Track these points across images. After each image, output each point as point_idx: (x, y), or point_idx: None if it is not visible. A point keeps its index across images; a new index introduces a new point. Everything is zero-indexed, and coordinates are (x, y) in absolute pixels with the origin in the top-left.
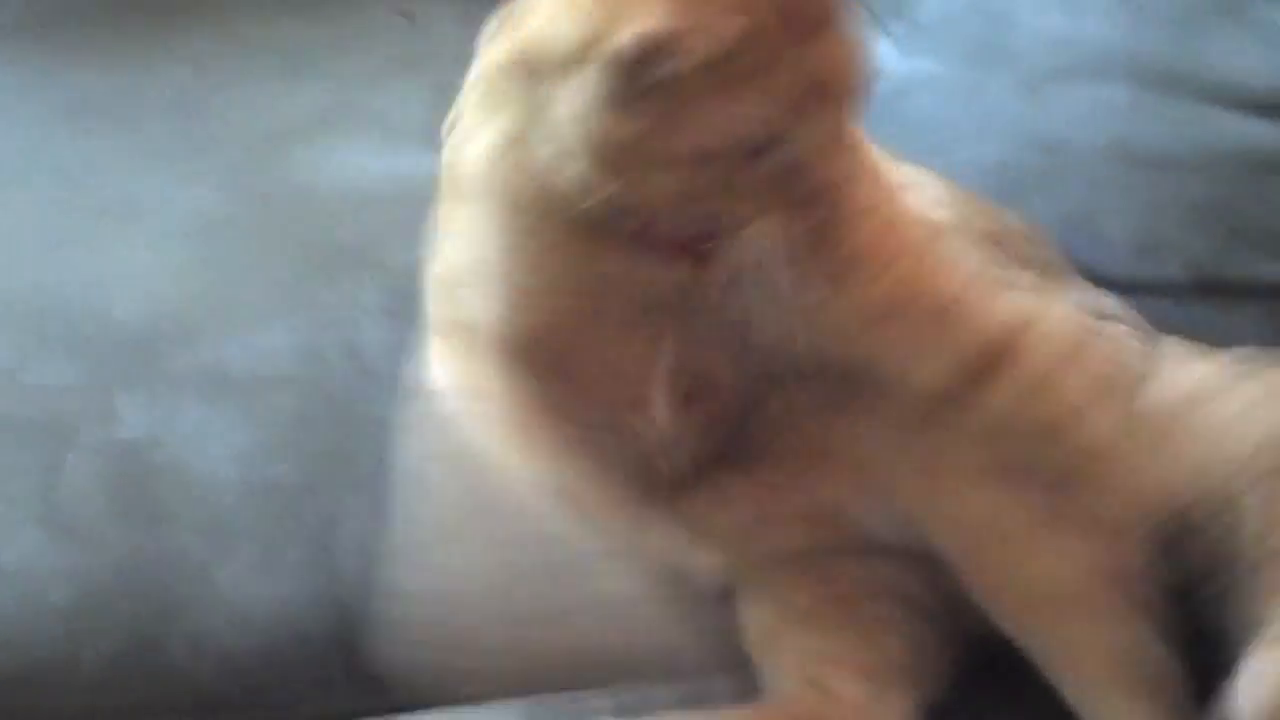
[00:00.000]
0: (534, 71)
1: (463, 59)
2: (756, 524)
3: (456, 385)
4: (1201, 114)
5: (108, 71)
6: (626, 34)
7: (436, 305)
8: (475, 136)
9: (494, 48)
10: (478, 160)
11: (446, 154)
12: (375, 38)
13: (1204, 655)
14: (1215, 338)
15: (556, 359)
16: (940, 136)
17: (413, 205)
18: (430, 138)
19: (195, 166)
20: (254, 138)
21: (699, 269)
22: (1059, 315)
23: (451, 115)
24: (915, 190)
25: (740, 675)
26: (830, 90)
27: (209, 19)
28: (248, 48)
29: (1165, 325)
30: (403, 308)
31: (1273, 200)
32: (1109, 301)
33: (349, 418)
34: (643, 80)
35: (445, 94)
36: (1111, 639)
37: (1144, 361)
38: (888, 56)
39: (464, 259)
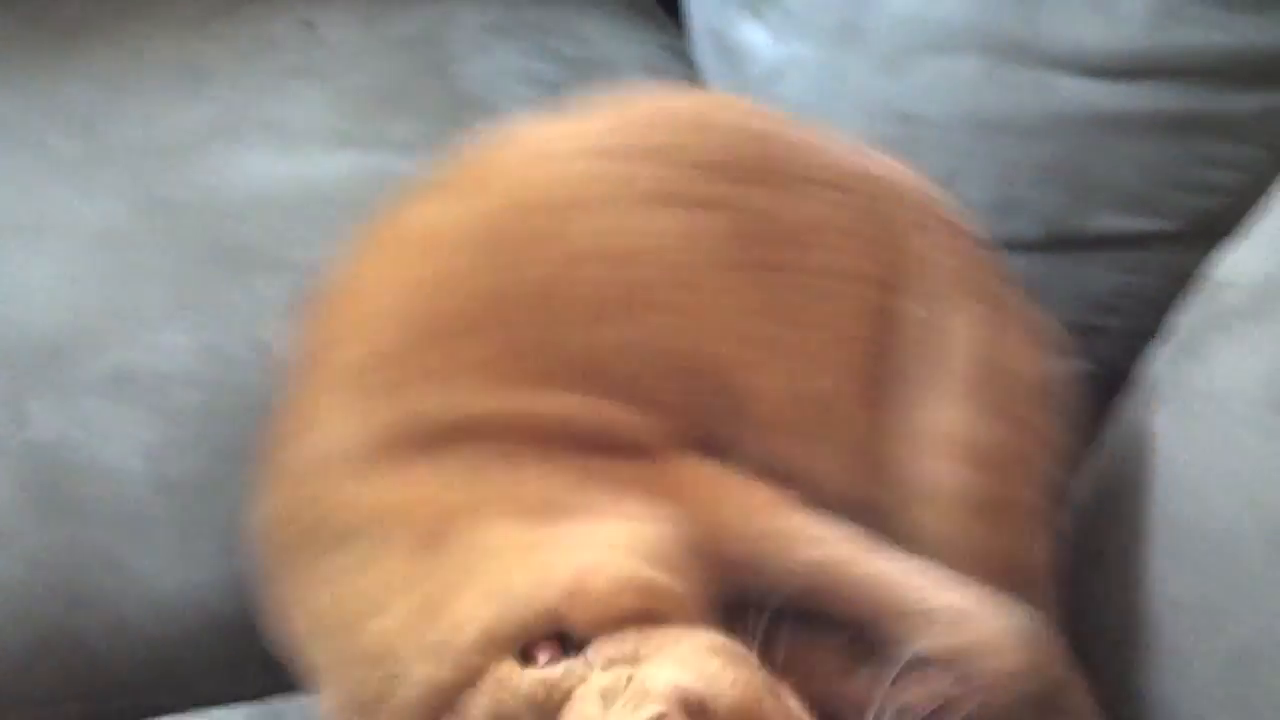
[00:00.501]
0: None
1: (363, 64)
2: None
3: None
4: (1046, 80)
5: (9, 90)
6: None
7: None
8: None
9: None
10: None
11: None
12: (277, 47)
13: None
14: (1069, 287)
15: None
16: (811, 115)
17: (315, 205)
18: (330, 140)
19: (99, 179)
20: (157, 148)
21: None
22: None
23: None
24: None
25: None
26: None
27: (111, 37)
28: (150, 63)
29: (1024, 278)
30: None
31: (1115, 157)
32: None
33: (255, 411)
34: None
35: (346, 97)
36: None
37: None
38: (763, 44)
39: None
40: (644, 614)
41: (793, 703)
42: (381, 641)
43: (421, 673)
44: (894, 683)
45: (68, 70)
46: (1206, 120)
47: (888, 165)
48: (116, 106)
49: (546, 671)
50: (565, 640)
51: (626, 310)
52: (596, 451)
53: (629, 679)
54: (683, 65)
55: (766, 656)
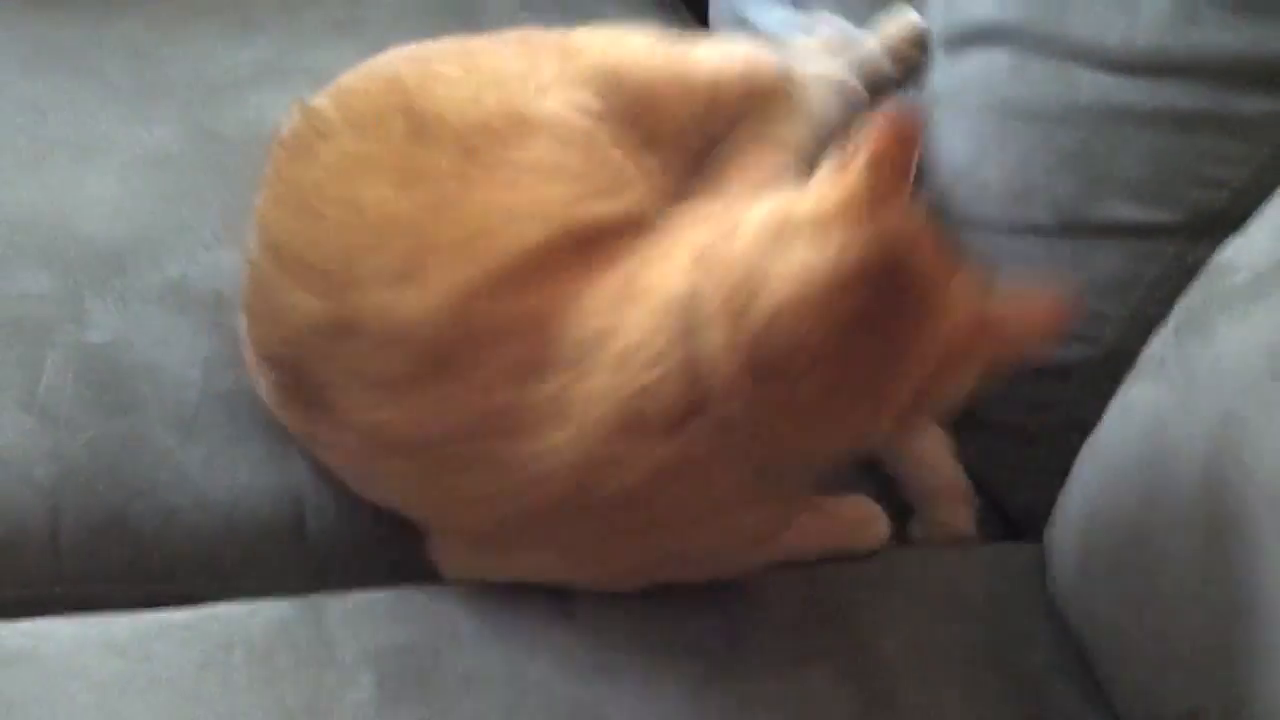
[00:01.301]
0: None
1: (401, 23)
2: None
3: None
4: (1068, 72)
5: (66, 22)
6: None
7: None
8: None
9: None
10: None
11: None
12: (322, 3)
13: None
14: (1078, 272)
15: None
16: None
17: None
18: None
19: (151, 107)
20: (207, 85)
21: None
22: None
23: None
24: None
25: None
26: None
27: None
28: (202, 8)
29: (1035, 263)
30: None
31: (1128, 149)
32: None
33: None
34: None
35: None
36: None
37: None
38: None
39: None
40: None
41: None
42: None
43: None
44: None
45: (118, 6)
46: (1216, 118)
47: None
48: (170, 44)
49: None
50: None
51: None
52: None
53: None
54: None
55: None
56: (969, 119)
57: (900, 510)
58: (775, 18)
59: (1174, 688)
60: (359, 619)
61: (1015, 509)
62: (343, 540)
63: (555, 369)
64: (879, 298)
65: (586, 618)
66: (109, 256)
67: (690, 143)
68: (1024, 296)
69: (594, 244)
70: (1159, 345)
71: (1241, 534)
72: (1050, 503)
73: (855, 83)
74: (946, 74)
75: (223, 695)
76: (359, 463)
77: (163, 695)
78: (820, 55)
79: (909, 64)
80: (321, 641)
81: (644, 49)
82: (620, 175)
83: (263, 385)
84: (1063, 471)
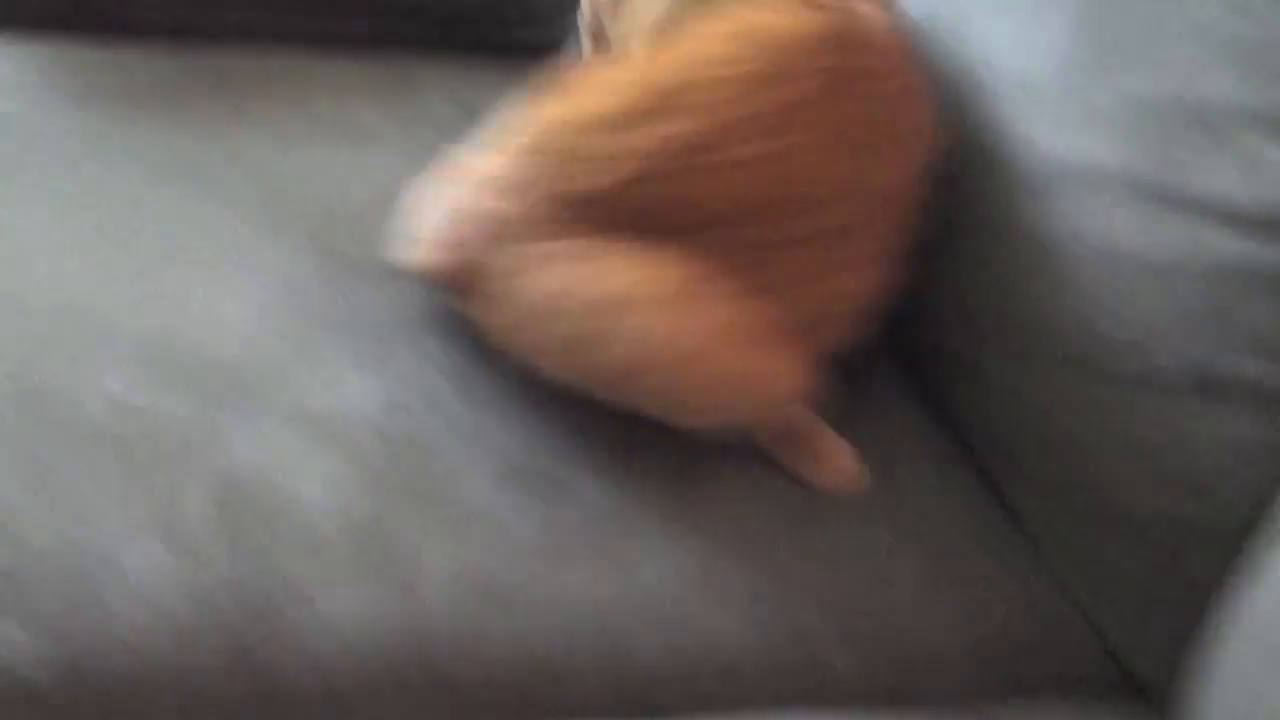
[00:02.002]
0: None
1: None
2: None
3: None
4: (1191, 226)
5: (196, 135)
6: None
7: None
8: None
9: None
10: None
11: None
12: (432, 120)
13: None
14: (1202, 430)
15: None
16: None
17: None
18: None
19: (279, 227)
20: (330, 203)
21: None
22: None
23: None
24: None
25: None
26: None
27: (288, 95)
28: (318, 122)
29: (1159, 416)
30: (473, 370)
31: (1259, 306)
32: None
33: (430, 462)
34: None
35: None
36: None
37: None
38: None
39: None
40: None
41: None
42: None
43: None
44: None
45: (248, 123)
46: None
47: None
48: (290, 159)
49: None
50: None
51: None
52: None
53: None
54: None
55: None
56: (1083, 266)
57: None
58: None
59: None
60: None
61: (1135, 665)
62: (475, 678)
63: None
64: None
65: None
66: (244, 380)
67: None
68: None
69: None
70: None
71: None
72: (1173, 661)
73: None
74: (1044, 211)
75: None
76: None
77: None
78: None
79: None
80: None
81: None
82: None
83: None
84: (1188, 633)
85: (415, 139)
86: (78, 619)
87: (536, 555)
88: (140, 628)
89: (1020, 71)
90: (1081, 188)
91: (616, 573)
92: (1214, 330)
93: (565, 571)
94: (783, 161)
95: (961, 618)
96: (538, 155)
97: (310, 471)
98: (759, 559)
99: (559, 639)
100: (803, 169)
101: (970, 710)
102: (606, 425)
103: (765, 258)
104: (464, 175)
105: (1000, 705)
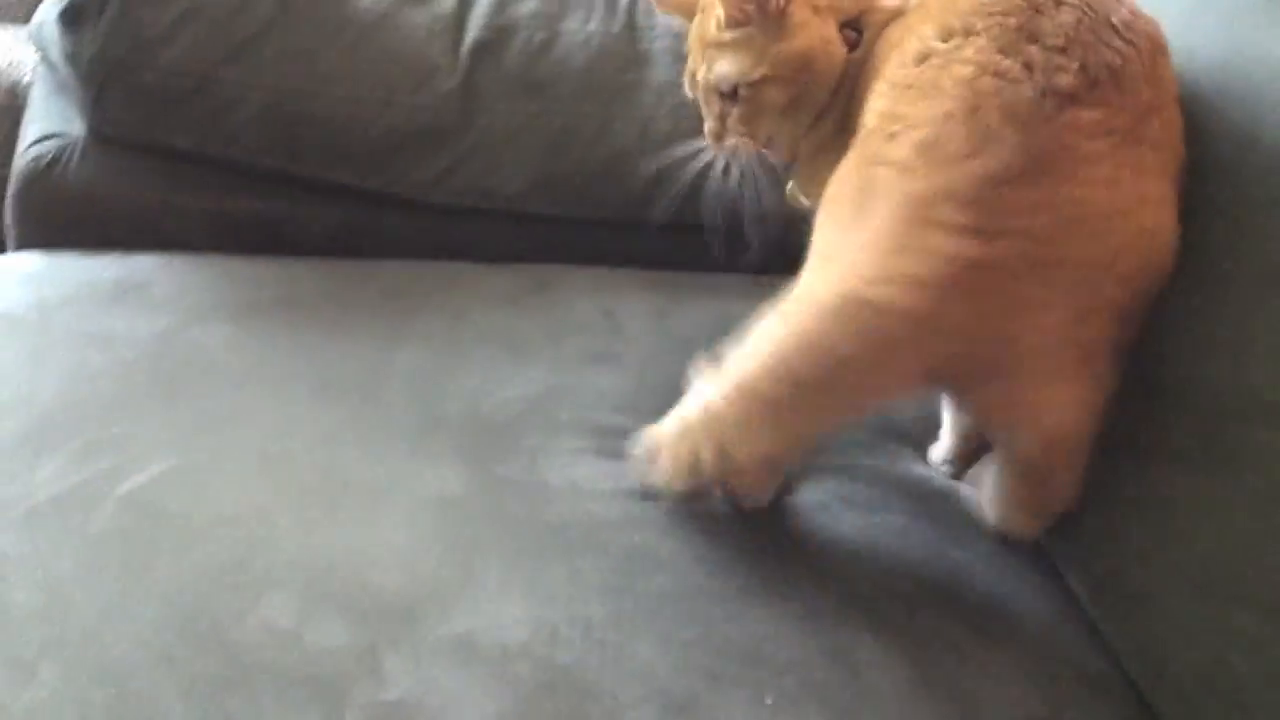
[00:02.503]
0: None
1: (655, 357)
2: None
3: None
4: None
5: (353, 352)
6: None
7: None
8: None
9: None
10: None
11: None
12: (582, 330)
13: None
14: None
15: None
16: None
17: (622, 494)
18: (624, 433)
19: (432, 443)
20: (481, 420)
21: None
22: None
23: None
24: None
25: None
26: None
27: (443, 307)
28: (472, 334)
29: None
30: (624, 585)
31: None
32: None
33: (582, 687)
34: None
35: (644, 386)
36: None
37: None
38: None
39: None
40: None
41: None
42: None
43: None
44: None
45: (403, 335)
46: None
47: None
48: (446, 373)
49: None
50: None
51: None
52: None
53: None
54: None
55: None
56: (1249, 498)
57: None
58: None
59: None
60: None
61: None
62: None
63: None
64: None
65: None
66: (400, 608)
67: None
68: None
69: None
70: None
71: None
72: None
73: None
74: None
75: None
76: None
77: None
78: None
79: None
80: None
81: None
82: None
83: None
84: None
85: (562, 350)
86: None
87: None
88: None
89: None
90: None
91: None
92: None
93: None
94: None
95: None
96: None
97: (466, 704)
98: None
99: None
100: None
101: None
102: (751, 638)
103: None
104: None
105: None
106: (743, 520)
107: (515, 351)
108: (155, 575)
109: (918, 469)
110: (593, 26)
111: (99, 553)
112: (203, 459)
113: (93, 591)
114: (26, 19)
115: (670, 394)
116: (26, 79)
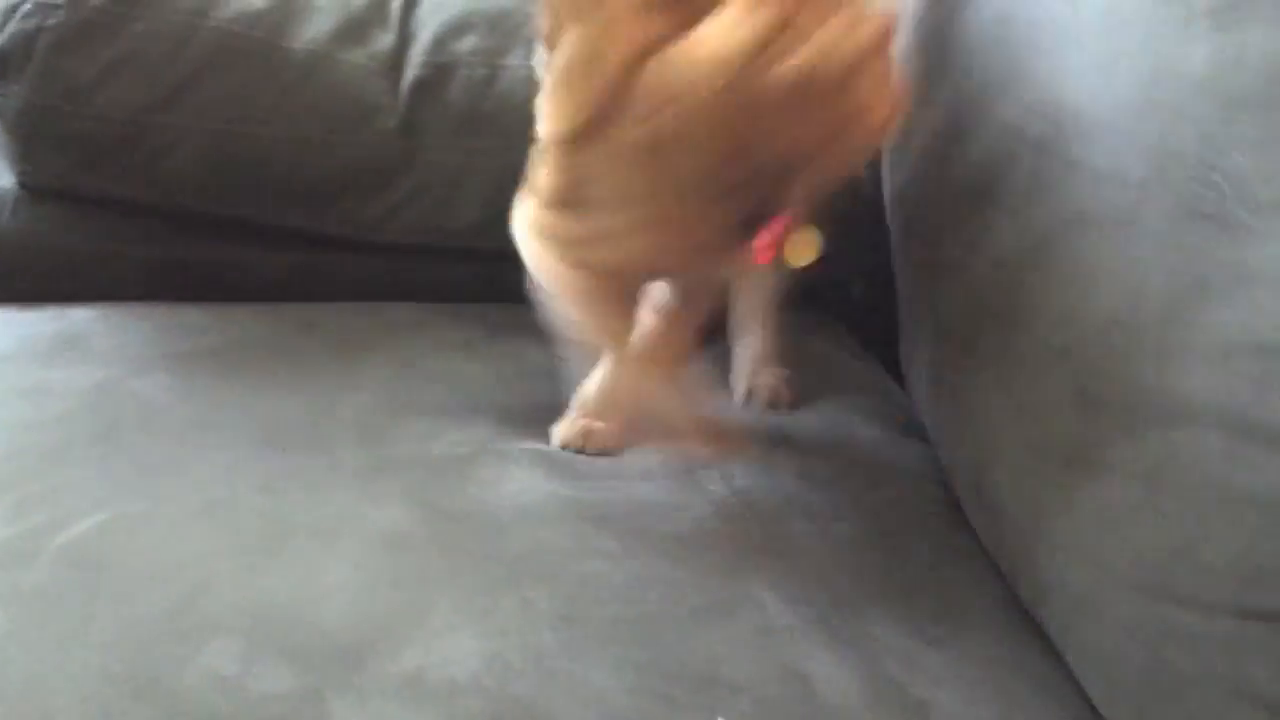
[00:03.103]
0: None
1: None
2: None
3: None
4: None
5: (299, 398)
6: None
7: None
8: None
9: None
10: None
11: None
12: (534, 376)
13: None
14: None
15: None
16: None
17: (574, 522)
18: (576, 459)
19: (381, 485)
20: (431, 460)
21: None
22: None
23: None
24: None
25: None
26: None
27: (389, 353)
28: (423, 379)
29: (1271, 652)
30: (576, 612)
31: None
32: None
33: (533, 716)
34: None
35: None
36: None
37: None
38: None
39: None
40: None
41: None
42: None
43: None
44: None
45: (349, 380)
46: None
47: None
48: (394, 418)
49: None
50: None
51: None
52: None
53: None
54: None
55: None
56: (1179, 500)
57: None
58: None
59: None
60: None
61: None
62: None
63: None
64: None
65: None
66: (347, 649)
67: None
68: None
69: None
70: None
71: None
72: None
73: None
74: (1139, 449)
75: None
76: None
77: None
78: None
79: None
80: None
81: None
82: None
83: None
84: None
85: (515, 396)
86: None
87: None
88: None
89: None
90: (1173, 419)
91: None
92: None
93: None
94: None
95: None
96: None
97: None
98: None
99: None
100: None
101: None
102: (704, 659)
103: None
104: None
105: None
106: (697, 541)
107: (466, 393)
108: (94, 627)
109: (869, 479)
110: (534, 62)
111: (36, 606)
112: (142, 508)
113: (30, 646)
114: None
115: None
116: None
